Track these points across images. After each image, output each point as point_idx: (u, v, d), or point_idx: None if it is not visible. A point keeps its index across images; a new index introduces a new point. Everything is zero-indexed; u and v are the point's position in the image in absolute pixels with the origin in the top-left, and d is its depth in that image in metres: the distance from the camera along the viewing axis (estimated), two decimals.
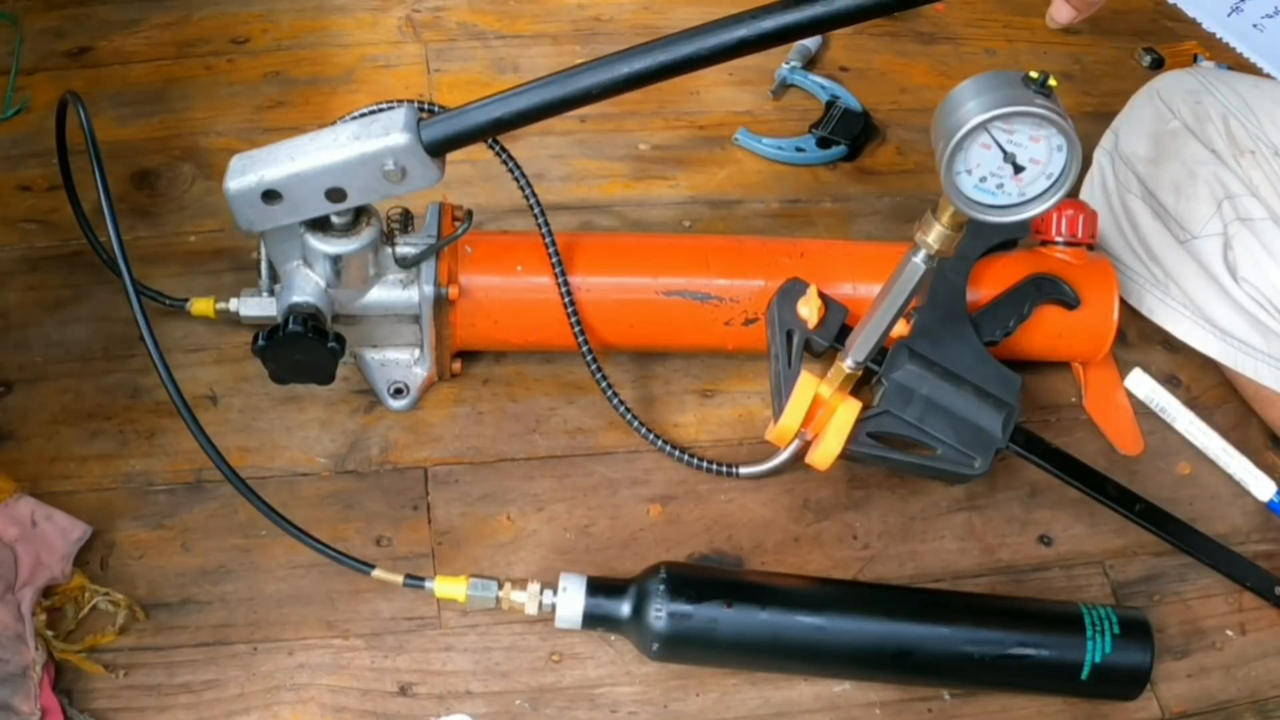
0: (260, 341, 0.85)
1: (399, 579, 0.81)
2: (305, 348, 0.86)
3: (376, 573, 0.82)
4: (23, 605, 0.79)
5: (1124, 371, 1.04)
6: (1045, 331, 0.97)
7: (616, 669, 0.84)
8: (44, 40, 1.17)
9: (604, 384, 0.92)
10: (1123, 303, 1.00)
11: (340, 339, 0.87)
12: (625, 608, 0.81)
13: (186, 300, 0.95)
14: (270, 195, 0.81)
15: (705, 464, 0.93)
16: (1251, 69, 1.05)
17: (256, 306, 0.91)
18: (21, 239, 1.02)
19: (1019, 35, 1.35)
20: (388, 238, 0.90)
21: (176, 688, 0.80)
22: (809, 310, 0.91)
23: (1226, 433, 1.01)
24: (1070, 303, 0.96)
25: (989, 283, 0.96)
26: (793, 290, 0.92)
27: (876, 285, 0.82)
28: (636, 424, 0.93)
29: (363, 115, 0.84)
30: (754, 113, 1.22)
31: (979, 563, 0.93)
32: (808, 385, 0.85)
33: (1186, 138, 1.02)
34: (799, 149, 1.18)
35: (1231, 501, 0.99)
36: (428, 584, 0.82)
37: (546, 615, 0.82)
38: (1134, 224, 1.05)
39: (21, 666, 0.76)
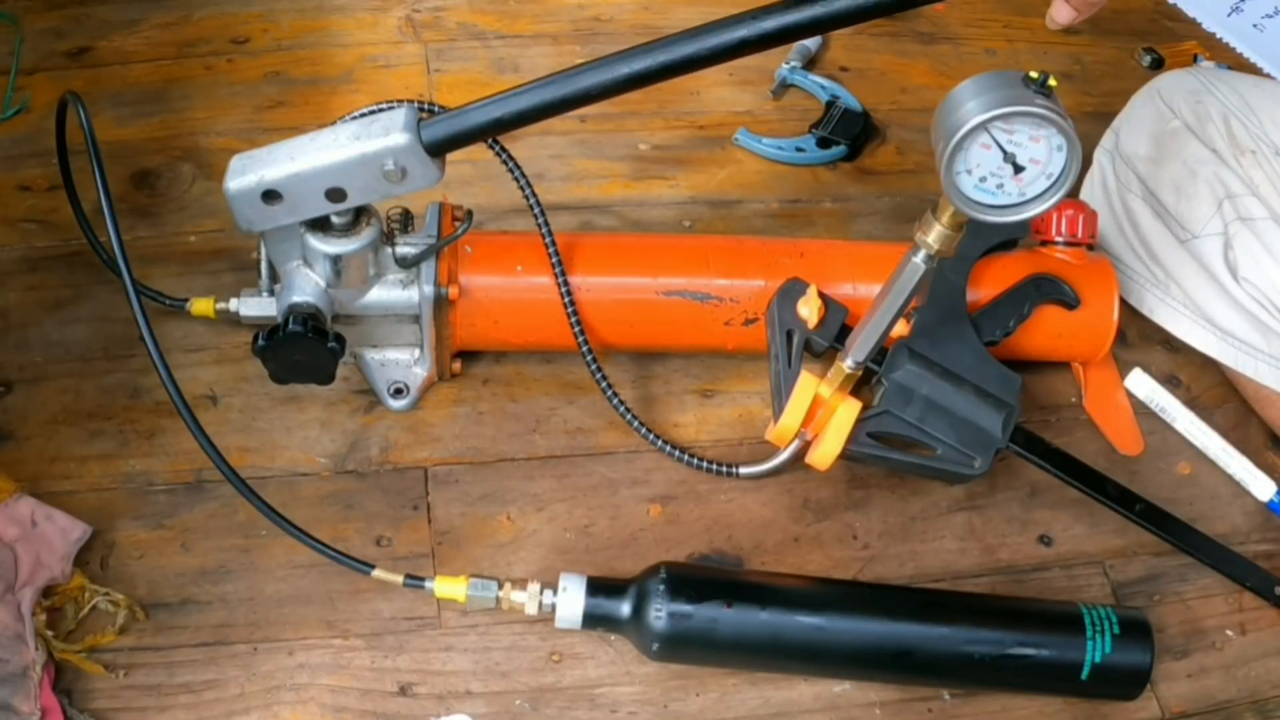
0: (260, 341, 0.85)
1: (399, 579, 0.81)
2: (305, 348, 0.86)
3: (376, 573, 0.82)
4: (23, 605, 0.79)
5: (1124, 371, 1.04)
6: (1045, 331, 0.97)
7: (616, 669, 0.84)
8: (44, 40, 1.17)
9: (604, 384, 0.92)
10: (1123, 302, 1.00)
11: (340, 339, 0.87)
12: (625, 608, 0.81)
13: (186, 300, 0.95)
14: (270, 195, 0.81)
15: (705, 464, 0.93)
16: (1251, 69, 1.05)
17: (256, 306, 0.91)
18: (21, 239, 1.02)
19: (1019, 35, 1.35)
20: (388, 238, 0.90)
21: (176, 688, 0.80)
22: (809, 310, 0.91)
23: (1226, 433, 1.01)
24: (1070, 303, 0.96)
25: (989, 283, 0.96)
26: (793, 290, 0.92)
27: (876, 285, 0.82)
28: (636, 424, 0.93)
29: (363, 115, 0.84)
30: (754, 113, 1.22)
31: (979, 563, 0.93)
32: (808, 385, 0.85)
33: (1187, 137, 1.02)
34: (799, 149, 1.18)
35: (1231, 501, 0.99)
36: (428, 584, 0.82)
37: (546, 615, 0.82)
38: (1134, 224, 1.05)
39: (21, 666, 0.76)
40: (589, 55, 0.85)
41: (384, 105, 0.85)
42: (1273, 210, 0.95)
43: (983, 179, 0.69)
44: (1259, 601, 0.93)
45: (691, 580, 0.82)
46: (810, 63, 1.27)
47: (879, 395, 0.89)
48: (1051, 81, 0.66)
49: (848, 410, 0.85)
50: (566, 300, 0.91)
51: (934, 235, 0.74)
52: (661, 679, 0.84)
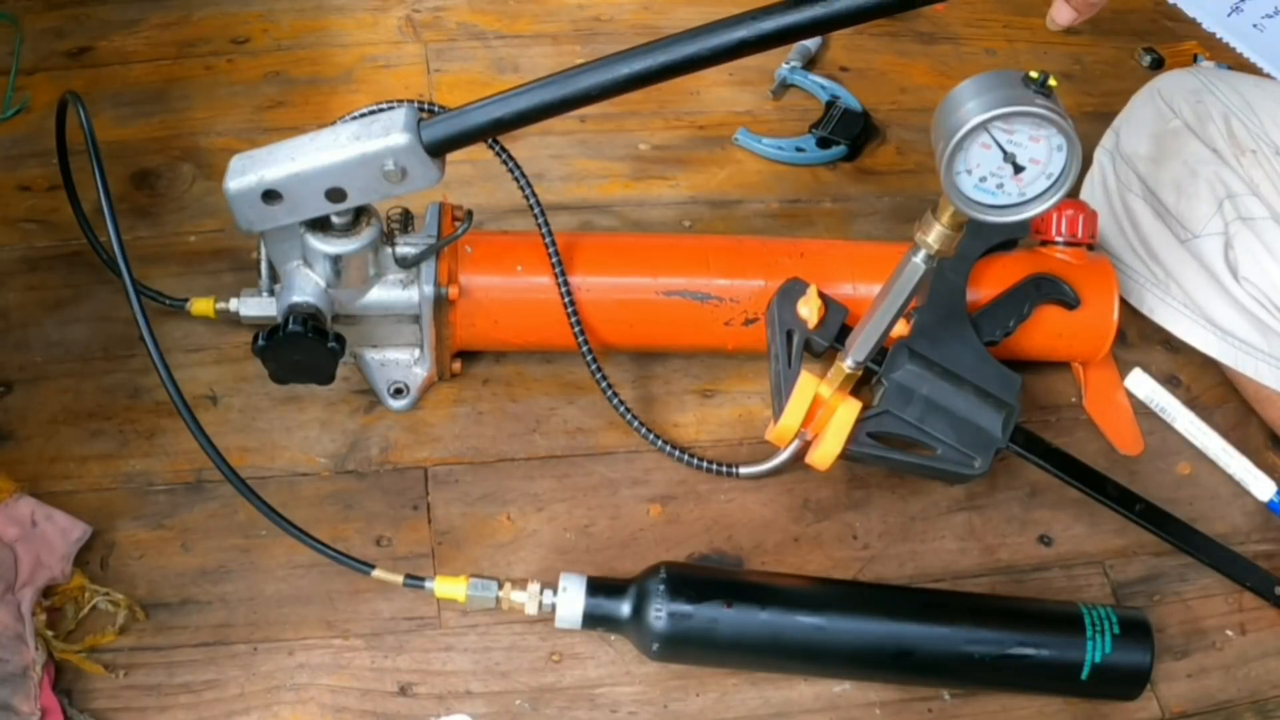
0: (260, 341, 0.85)
1: (399, 579, 0.81)
2: (305, 348, 0.86)
3: (376, 573, 0.82)
4: (23, 605, 0.79)
5: (1124, 371, 1.04)
6: (1045, 331, 0.97)
7: (616, 669, 0.84)
8: (44, 40, 1.17)
9: (604, 384, 0.92)
10: (1123, 302, 1.00)
11: (340, 339, 0.87)
12: (625, 608, 0.81)
13: (186, 300, 0.95)
14: (270, 195, 0.81)
15: (705, 464, 0.93)
16: (1251, 69, 1.05)
17: (256, 306, 0.91)
18: (21, 239, 1.02)
19: (1019, 35, 1.35)
20: (388, 238, 0.90)
21: (176, 688, 0.80)
22: (809, 310, 0.91)
23: (1226, 433, 1.01)
24: (1070, 303, 0.96)
25: (989, 283, 0.96)
26: (793, 290, 0.92)
27: (876, 285, 0.82)
28: (636, 424, 0.93)
29: (363, 115, 0.84)
30: (754, 113, 1.21)
31: (979, 563, 0.93)
32: (808, 385, 0.85)
33: (1188, 137, 1.02)
34: (799, 149, 1.18)
35: (1231, 501, 0.99)
36: (428, 584, 0.82)
37: (546, 615, 0.82)
38: (1135, 223, 1.05)
39: (21, 666, 0.76)
40: (589, 55, 0.85)
41: (384, 105, 0.85)
42: (1273, 210, 0.95)
43: (983, 179, 0.69)
44: (1259, 601, 0.92)
45: (691, 580, 0.82)
46: (810, 63, 1.27)
47: (879, 395, 0.89)
48: (1051, 81, 0.66)
49: (848, 410, 0.85)
50: (566, 300, 0.91)
51: (934, 235, 0.74)
52: (661, 679, 0.84)
